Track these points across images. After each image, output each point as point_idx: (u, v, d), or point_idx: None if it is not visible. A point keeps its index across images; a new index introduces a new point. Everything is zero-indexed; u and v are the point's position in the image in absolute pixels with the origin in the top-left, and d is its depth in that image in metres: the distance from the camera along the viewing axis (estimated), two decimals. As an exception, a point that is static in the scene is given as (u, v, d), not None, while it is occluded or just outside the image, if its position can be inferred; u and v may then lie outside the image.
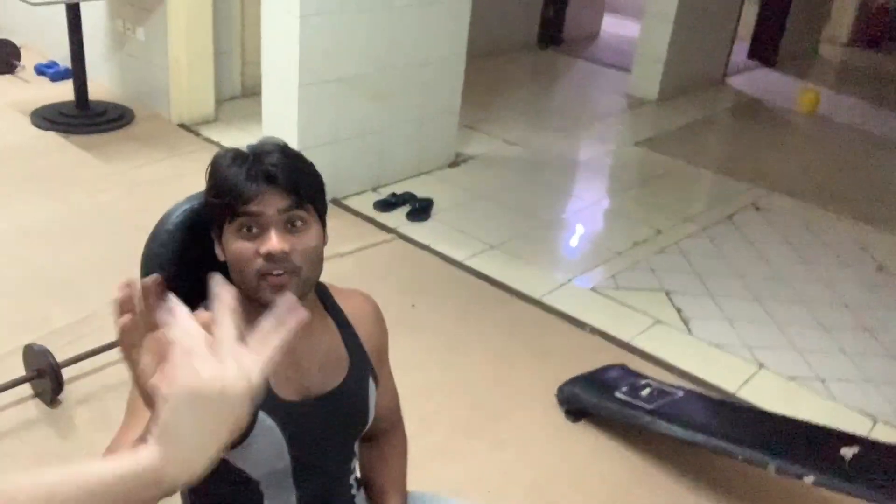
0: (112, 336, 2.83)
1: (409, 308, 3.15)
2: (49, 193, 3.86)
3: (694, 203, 4.59)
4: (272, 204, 1.15)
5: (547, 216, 4.16)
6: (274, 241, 1.15)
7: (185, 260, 1.34)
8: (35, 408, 2.51)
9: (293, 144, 3.65)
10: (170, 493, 0.67)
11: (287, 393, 1.22)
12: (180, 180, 3.86)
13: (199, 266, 1.34)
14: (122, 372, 2.68)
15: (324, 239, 1.23)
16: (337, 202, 3.94)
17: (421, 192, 4.06)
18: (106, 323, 2.84)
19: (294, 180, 1.17)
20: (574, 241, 4.03)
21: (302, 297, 1.20)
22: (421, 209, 3.91)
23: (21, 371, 2.54)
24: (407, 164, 4.30)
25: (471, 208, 4.09)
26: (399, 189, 4.09)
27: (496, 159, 4.76)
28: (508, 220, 4.02)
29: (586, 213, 4.33)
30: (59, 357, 2.49)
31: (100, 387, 2.61)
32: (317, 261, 1.21)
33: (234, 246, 1.18)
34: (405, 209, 3.92)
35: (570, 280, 3.49)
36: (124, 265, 3.14)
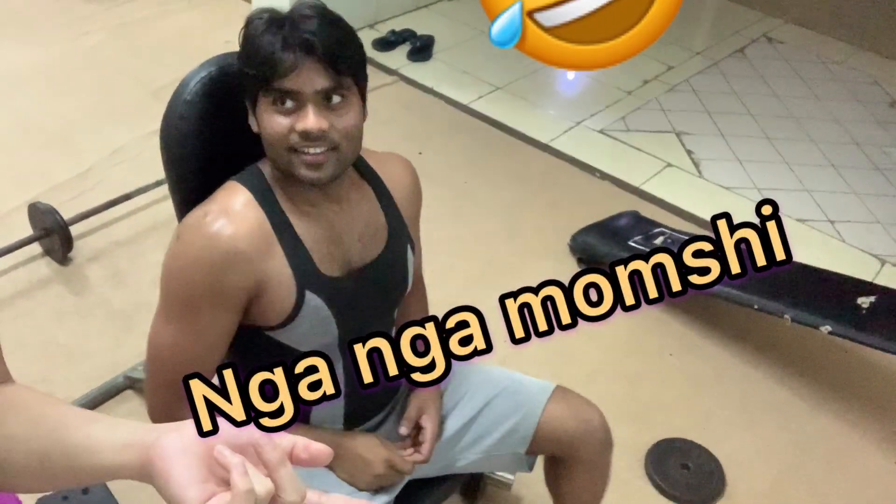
0: (116, 191, 2.75)
1: (417, 156, 3.06)
2: (28, 37, 3.64)
3: (704, 35, 4.41)
4: (310, 81, 1.06)
5: (552, 53, 3.99)
6: (311, 119, 1.07)
7: (208, 132, 1.27)
8: (47, 266, 2.49)
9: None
10: None
11: (330, 269, 1.20)
12: (165, 18, 3.63)
13: (223, 138, 1.27)
14: (130, 227, 2.64)
15: (363, 114, 1.16)
16: (334, 41, 3.76)
17: (421, 29, 3.87)
18: (107, 177, 2.80)
19: (334, 52, 1.07)
20: (582, 80, 3.89)
21: (338, 175, 1.14)
22: (422, 47, 3.74)
23: (27, 229, 2.50)
24: (405, -3, 4.07)
25: (473, 46, 3.91)
26: (398, 26, 3.90)
27: (497, -10, 4.50)
28: (512, 57, 3.83)
29: (592, 48, 4.15)
30: (65, 214, 2.44)
31: (109, 243, 2.58)
32: (357, 139, 1.15)
33: (268, 120, 1.10)
34: (405, 48, 3.75)
35: (578, 123, 3.40)
36: (118, 115, 3.08)
